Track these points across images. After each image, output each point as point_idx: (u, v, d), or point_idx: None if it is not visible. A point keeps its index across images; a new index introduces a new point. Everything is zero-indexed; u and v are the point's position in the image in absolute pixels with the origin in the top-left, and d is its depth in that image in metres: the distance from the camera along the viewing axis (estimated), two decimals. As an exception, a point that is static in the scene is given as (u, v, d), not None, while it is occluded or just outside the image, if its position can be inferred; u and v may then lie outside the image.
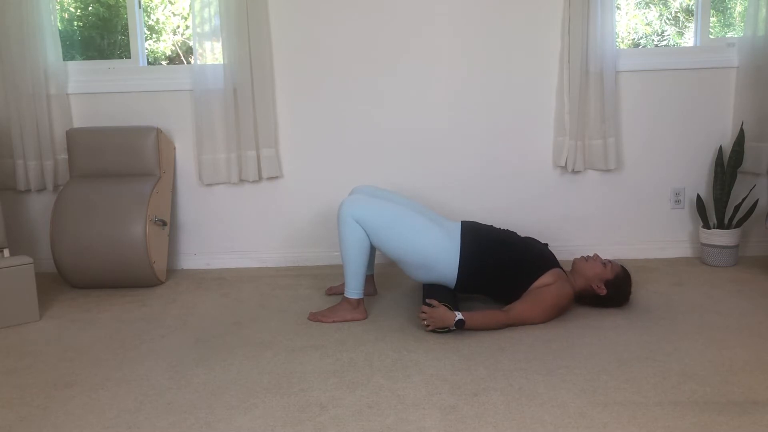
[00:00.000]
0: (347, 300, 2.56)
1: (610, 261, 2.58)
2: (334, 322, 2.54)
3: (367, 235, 2.48)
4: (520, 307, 2.43)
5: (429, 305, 2.37)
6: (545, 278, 2.49)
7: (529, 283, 2.49)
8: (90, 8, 3.58)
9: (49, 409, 1.91)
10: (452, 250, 2.49)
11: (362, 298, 2.57)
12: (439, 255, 2.48)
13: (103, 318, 2.68)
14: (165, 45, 3.73)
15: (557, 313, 2.47)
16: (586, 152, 3.24)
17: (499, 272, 2.51)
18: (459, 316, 2.32)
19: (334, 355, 2.24)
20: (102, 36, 3.55)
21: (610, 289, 2.53)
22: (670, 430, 1.70)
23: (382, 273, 3.19)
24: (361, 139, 3.31)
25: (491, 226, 2.68)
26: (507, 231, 2.68)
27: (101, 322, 2.64)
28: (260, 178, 3.30)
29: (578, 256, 2.64)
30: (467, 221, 2.64)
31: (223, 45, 3.14)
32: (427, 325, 2.36)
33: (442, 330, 2.37)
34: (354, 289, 2.54)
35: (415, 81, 3.25)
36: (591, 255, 2.62)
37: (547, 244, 2.71)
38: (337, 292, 2.87)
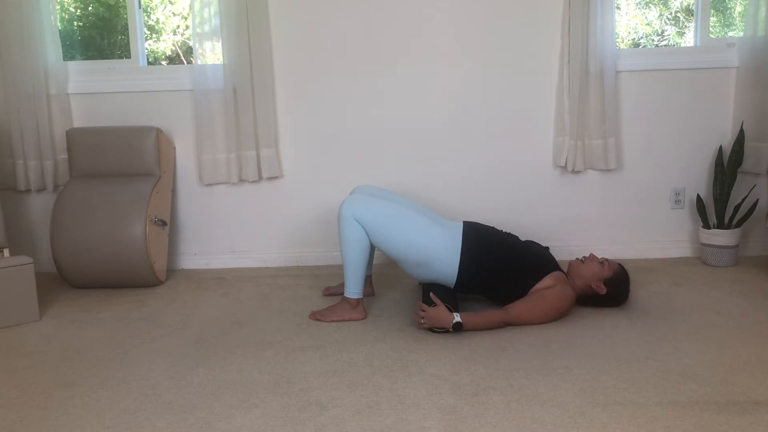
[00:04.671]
0: (347, 300, 2.56)
1: (607, 259, 2.58)
2: (333, 321, 2.54)
3: (368, 235, 2.48)
4: (520, 307, 2.43)
5: (430, 303, 2.38)
6: (546, 281, 2.48)
7: (530, 285, 2.48)
8: (90, 8, 3.58)
9: (49, 409, 1.91)
10: (453, 249, 2.49)
11: (362, 298, 2.58)
12: (440, 254, 2.48)
13: (103, 318, 2.68)
14: (165, 45, 3.73)
15: (558, 316, 2.47)
16: (586, 152, 3.24)
17: (499, 273, 2.50)
18: (457, 318, 2.32)
19: (334, 355, 2.24)
20: (102, 36, 3.55)
21: (610, 288, 2.53)
22: (670, 430, 1.70)
23: (382, 273, 3.19)
24: (361, 139, 3.31)
25: (493, 227, 2.68)
26: (508, 234, 2.68)
27: (101, 322, 2.64)
28: (260, 178, 3.30)
29: (573, 259, 2.64)
30: (469, 221, 2.64)
31: (223, 45, 3.14)
32: (423, 322, 2.36)
33: (440, 330, 2.37)
34: (354, 289, 2.55)
35: (415, 81, 3.25)
36: (587, 255, 2.61)
37: (548, 248, 2.71)
38: (334, 292, 2.87)
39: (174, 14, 3.70)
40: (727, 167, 3.16)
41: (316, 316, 2.57)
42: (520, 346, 2.26)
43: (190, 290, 3.04)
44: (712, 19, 3.35)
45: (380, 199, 2.57)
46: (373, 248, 2.60)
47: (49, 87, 3.20)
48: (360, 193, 2.70)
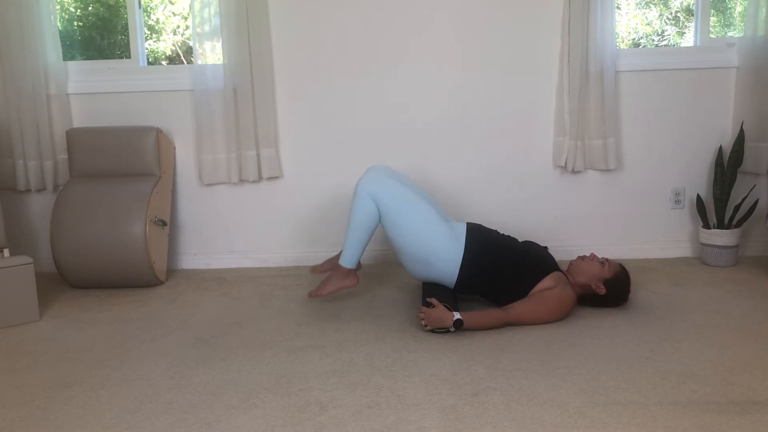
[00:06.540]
0: (339, 268, 2.58)
1: (607, 259, 2.57)
2: (330, 292, 2.58)
3: (379, 214, 2.49)
4: (521, 308, 2.42)
5: (428, 304, 2.38)
6: (546, 282, 2.48)
7: (530, 286, 2.48)
8: (90, 8, 3.58)
9: (49, 409, 1.91)
10: (456, 250, 2.49)
11: (354, 269, 2.59)
12: (443, 253, 2.48)
13: (103, 318, 2.68)
14: (165, 45, 3.73)
15: (558, 318, 2.46)
16: (586, 152, 3.24)
17: (499, 275, 2.51)
18: (457, 316, 2.32)
19: (334, 355, 2.24)
20: (102, 36, 3.55)
21: (610, 288, 2.52)
22: (670, 430, 1.70)
23: (382, 273, 3.19)
24: (361, 138, 3.31)
25: (495, 230, 2.68)
26: (509, 236, 2.67)
27: (101, 322, 2.64)
28: (260, 178, 3.30)
29: (575, 257, 2.64)
30: (472, 223, 2.64)
31: (223, 45, 3.14)
32: (425, 325, 2.37)
33: (441, 330, 2.37)
34: (349, 259, 2.56)
35: (415, 82, 3.25)
36: (588, 254, 2.61)
37: (546, 247, 2.71)
38: (323, 269, 2.78)
39: (174, 14, 3.70)
40: (727, 167, 3.16)
41: (314, 294, 2.60)
42: (520, 346, 2.26)
43: (190, 290, 3.04)
44: (712, 19, 3.35)
45: (398, 182, 2.56)
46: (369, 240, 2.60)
47: (49, 87, 3.20)
48: (378, 172, 2.63)
